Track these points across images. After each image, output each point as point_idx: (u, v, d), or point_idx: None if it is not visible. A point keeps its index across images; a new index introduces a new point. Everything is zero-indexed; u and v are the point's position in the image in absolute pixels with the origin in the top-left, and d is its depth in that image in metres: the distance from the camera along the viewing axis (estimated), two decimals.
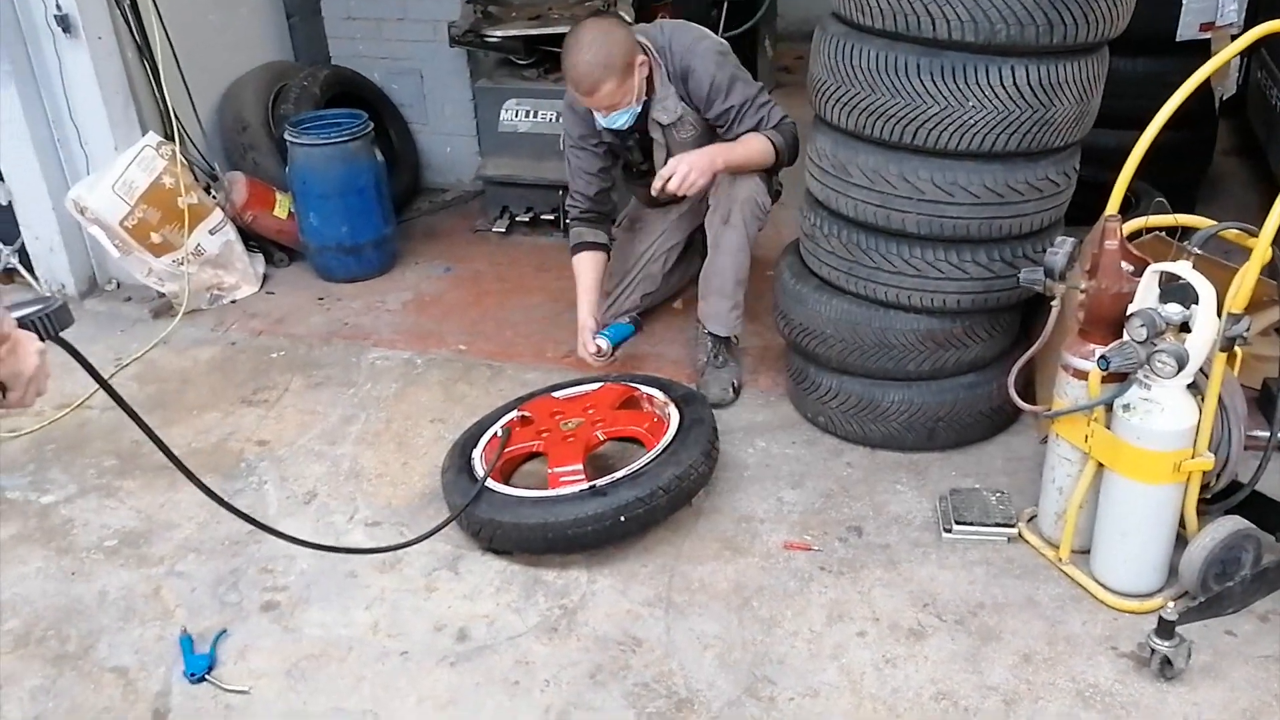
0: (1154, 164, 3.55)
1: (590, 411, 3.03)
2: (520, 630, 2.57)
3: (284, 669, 2.50)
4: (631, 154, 3.58)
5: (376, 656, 2.52)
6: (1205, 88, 3.86)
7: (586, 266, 3.58)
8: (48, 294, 1.60)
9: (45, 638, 2.62)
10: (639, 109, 3.30)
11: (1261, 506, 2.59)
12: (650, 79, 3.29)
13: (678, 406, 2.99)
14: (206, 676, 2.47)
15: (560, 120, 4.39)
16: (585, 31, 3.15)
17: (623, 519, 2.66)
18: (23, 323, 1.56)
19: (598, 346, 3.44)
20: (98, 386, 1.79)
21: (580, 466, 2.78)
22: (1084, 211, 3.02)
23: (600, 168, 3.57)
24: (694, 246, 3.88)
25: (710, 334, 3.45)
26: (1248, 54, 4.41)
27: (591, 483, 2.72)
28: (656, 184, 3.25)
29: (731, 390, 3.40)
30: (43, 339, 1.59)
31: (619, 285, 3.79)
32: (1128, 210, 3.17)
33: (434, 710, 2.37)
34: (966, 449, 3.13)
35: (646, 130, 3.42)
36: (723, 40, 3.45)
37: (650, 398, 3.10)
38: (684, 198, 3.41)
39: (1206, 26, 3.76)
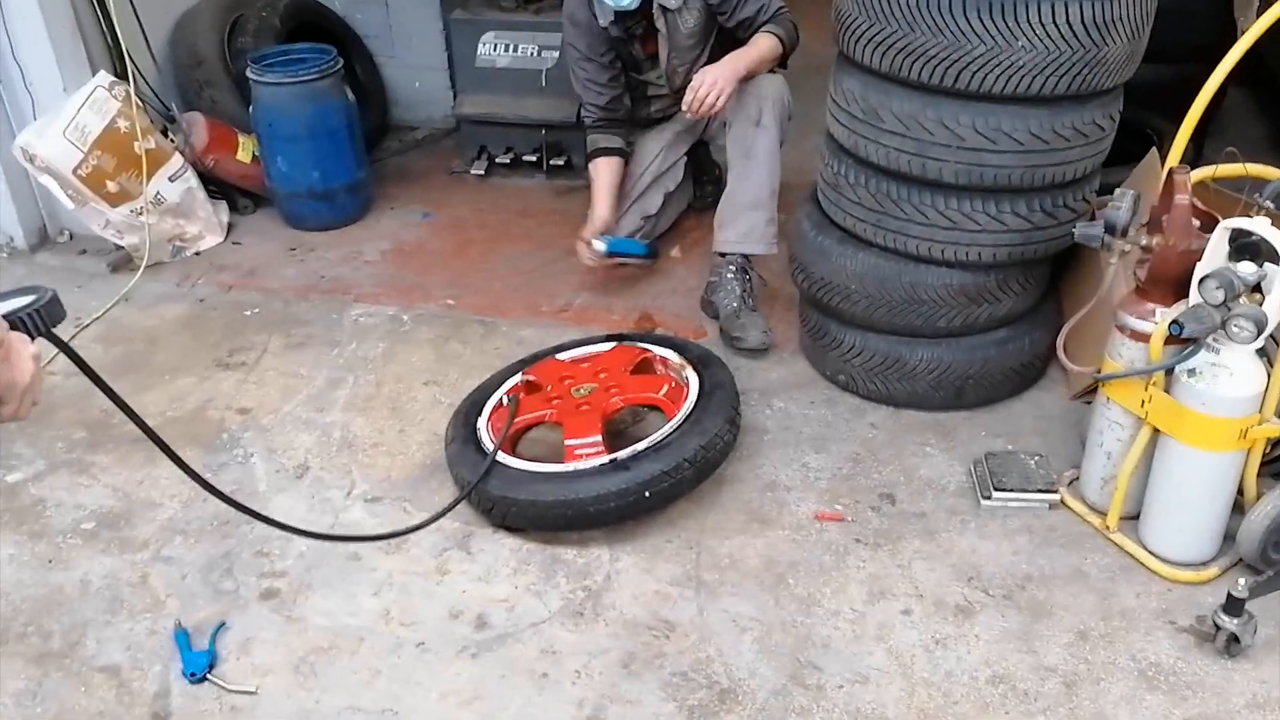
0: (1170, 98, 3.40)
1: (603, 376, 2.83)
2: (543, 616, 2.41)
3: (291, 664, 2.31)
4: (634, 48, 3.45)
5: (391, 648, 2.34)
6: (1227, 19, 3.72)
7: (603, 171, 3.56)
8: (32, 284, 1.39)
9: (25, 634, 2.41)
10: None
11: None
12: None
13: (695, 369, 2.82)
14: (208, 675, 2.28)
15: (540, 54, 4.19)
16: None
17: (648, 494, 2.50)
18: (11, 321, 1.35)
19: (589, 243, 3.41)
20: (57, 351, 1.55)
21: (599, 438, 2.60)
22: (1116, 154, 2.87)
23: (610, 76, 3.51)
24: (687, 175, 3.84)
25: (740, 270, 3.31)
26: None
27: (612, 456, 2.55)
28: (687, 100, 3.19)
29: (769, 334, 3.22)
30: (33, 338, 1.38)
31: (620, 203, 3.64)
32: (1150, 148, 3.04)
33: (458, 707, 2.21)
34: (994, 407, 3.00)
35: (651, 19, 3.34)
36: None
37: (665, 360, 2.91)
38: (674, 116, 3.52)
39: None
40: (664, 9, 3.30)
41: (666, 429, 2.61)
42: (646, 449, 2.55)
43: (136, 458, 2.91)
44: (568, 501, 2.50)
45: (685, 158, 3.77)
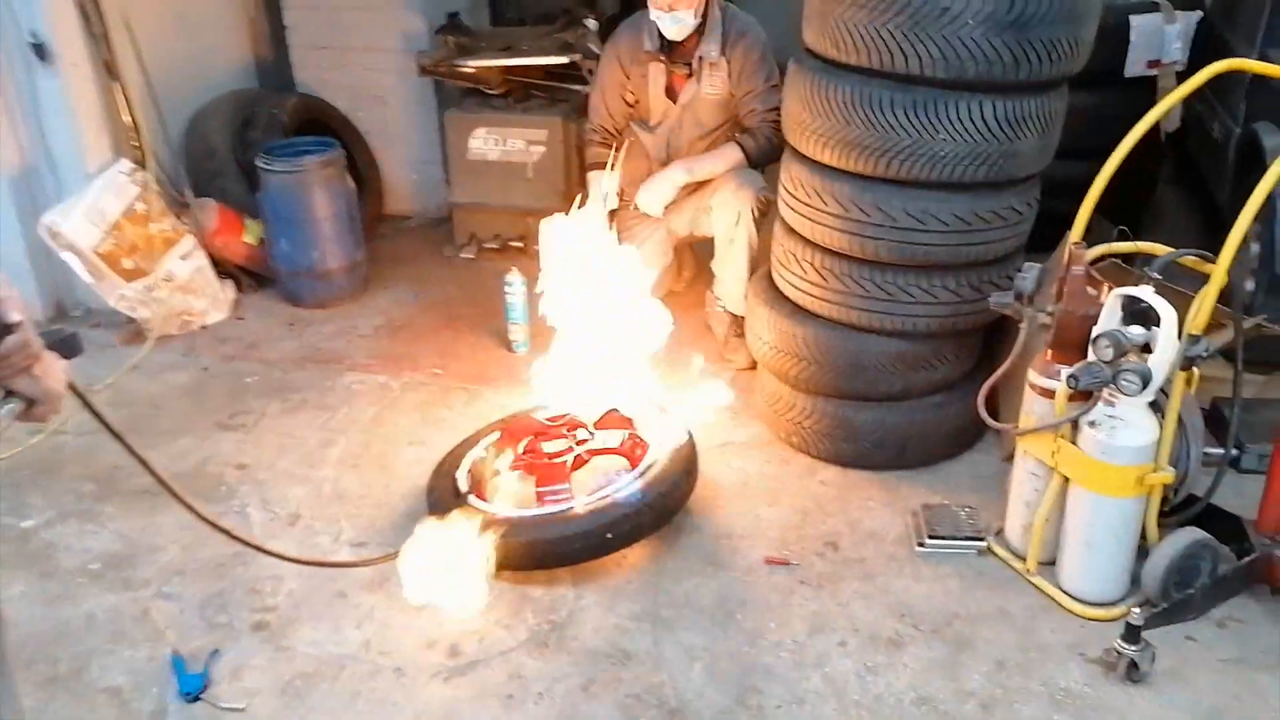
0: (1103, 193, 3.73)
1: (573, 433, 3.10)
2: (511, 645, 2.63)
3: (278, 687, 2.53)
4: (655, 89, 3.91)
5: (370, 673, 2.56)
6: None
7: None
8: (58, 327, 1.68)
9: (35, 661, 2.62)
10: (692, 25, 3.69)
11: (1217, 519, 2.74)
12: (707, 14, 3.72)
13: (658, 424, 3.07)
14: (201, 696, 2.50)
15: (528, 148, 4.53)
16: None
17: (609, 536, 2.73)
18: (48, 344, 1.61)
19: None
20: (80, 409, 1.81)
21: (567, 485, 2.85)
22: (1041, 240, 3.17)
23: (621, 110, 4.00)
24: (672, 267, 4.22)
25: (730, 311, 3.84)
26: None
27: (577, 501, 2.79)
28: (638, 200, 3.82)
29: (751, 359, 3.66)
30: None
31: None
32: (1084, 239, 3.34)
33: None
34: (934, 467, 3.26)
35: (691, 61, 3.82)
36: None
37: (629, 419, 3.17)
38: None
39: (1153, 64, 3.96)
40: (702, 58, 3.76)
41: (629, 477, 2.85)
42: (609, 495, 2.79)
43: (141, 507, 3.15)
44: (535, 542, 2.74)
45: (670, 255, 4.11)
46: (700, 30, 3.73)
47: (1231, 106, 4.05)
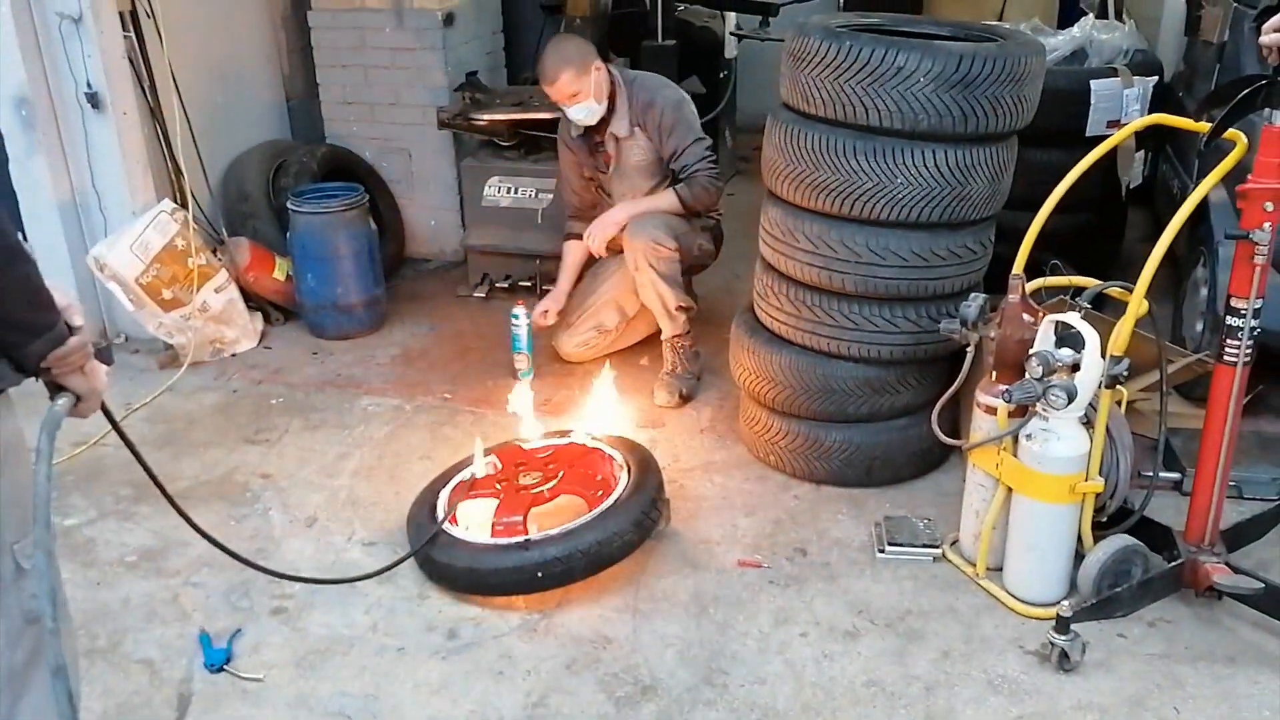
0: (1070, 243, 4.04)
1: (550, 466, 3.29)
2: (504, 630, 2.91)
3: (294, 661, 2.82)
4: (599, 161, 4.25)
5: (376, 651, 2.84)
6: (1113, 177, 4.40)
7: (571, 251, 4.42)
8: (95, 340, 1.99)
9: (77, 635, 2.91)
10: (600, 110, 4.02)
11: (1150, 529, 3.00)
12: (613, 96, 4.04)
13: (629, 471, 3.18)
14: (224, 667, 2.79)
15: (537, 195, 4.89)
16: (549, 41, 4.10)
17: (539, 574, 2.89)
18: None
19: (545, 311, 4.32)
20: (110, 428, 2.11)
21: (520, 518, 3.01)
22: (1002, 283, 3.46)
23: (582, 184, 4.39)
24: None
25: (665, 340, 4.11)
26: (1154, 148, 4.95)
27: (525, 537, 2.96)
28: (586, 240, 4.17)
29: (678, 396, 4.04)
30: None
31: (576, 316, 4.37)
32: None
33: (428, 694, 2.70)
34: (900, 485, 3.54)
35: (605, 140, 4.14)
36: (684, 92, 4.21)
37: (610, 459, 3.30)
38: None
39: (1113, 124, 4.28)
40: (614, 136, 4.09)
41: (578, 521, 2.98)
42: (554, 535, 2.93)
43: (173, 509, 3.45)
44: (474, 571, 2.95)
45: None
46: (611, 109, 4.06)
47: (1188, 166, 4.37)
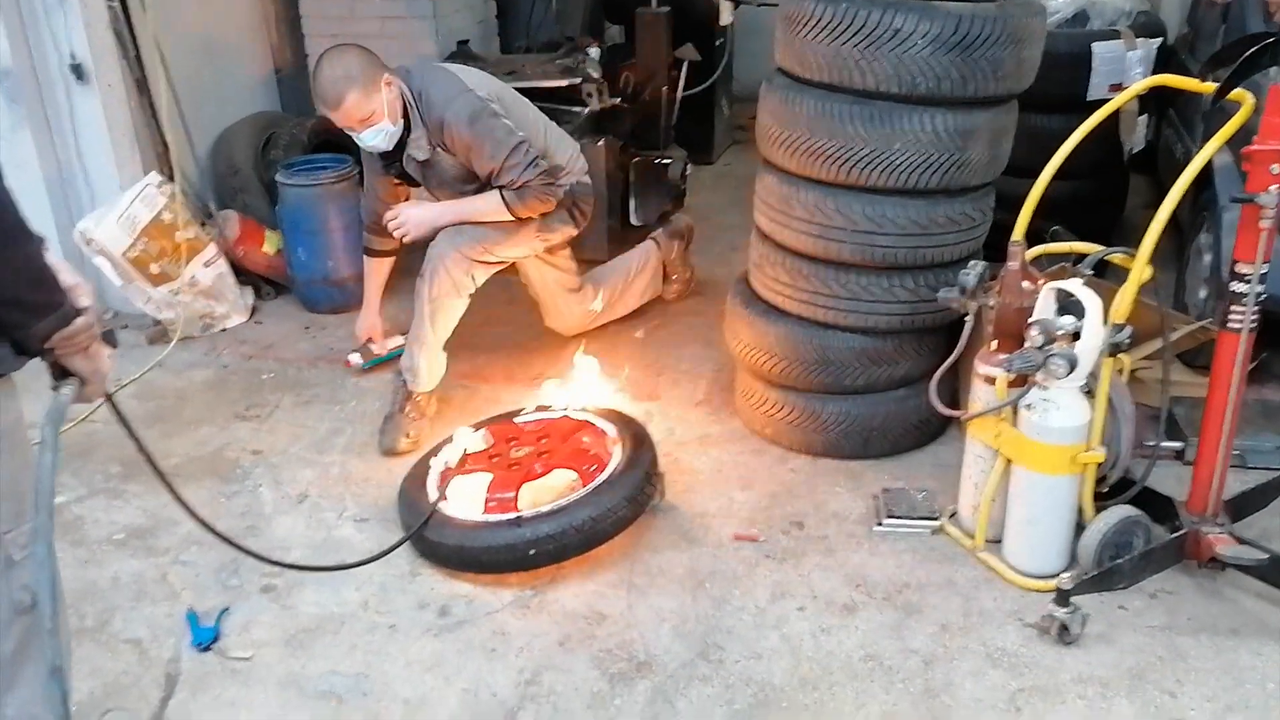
0: (1072, 209, 3.97)
1: (543, 441, 3.24)
2: (496, 608, 2.87)
3: (283, 639, 2.78)
4: (409, 180, 3.80)
5: (367, 629, 2.81)
6: (1116, 141, 4.33)
7: (372, 270, 4.13)
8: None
9: (70, 624, 2.87)
10: (397, 131, 3.50)
11: (1152, 500, 2.96)
12: (406, 115, 3.50)
13: (623, 446, 3.12)
14: (212, 647, 2.75)
15: None
16: (324, 55, 3.38)
17: (532, 552, 2.84)
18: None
19: (347, 363, 4.11)
20: (100, 402, 2.05)
21: (513, 494, 2.97)
22: (1003, 251, 3.41)
23: (391, 193, 3.86)
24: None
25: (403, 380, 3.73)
26: (1156, 112, 4.87)
27: (517, 513, 2.91)
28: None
29: (405, 438, 3.58)
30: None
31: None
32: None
33: (421, 671, 2.66)
34: (898, 457, 3.49)
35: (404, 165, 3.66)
36: (476, 94, 3.53)
37: (603, 433, 3.23)
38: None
39: (1115, 87, 4.20)
40: (414, 159, 3.60)
41: (571, 496, 2.93)
42: (546, 512, 2.88)
43: (162, 487, 3.40)
44: (465, 549, 2.90)
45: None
46: (406, 129, 3.53)
47: (1192, 129, 4.30)
